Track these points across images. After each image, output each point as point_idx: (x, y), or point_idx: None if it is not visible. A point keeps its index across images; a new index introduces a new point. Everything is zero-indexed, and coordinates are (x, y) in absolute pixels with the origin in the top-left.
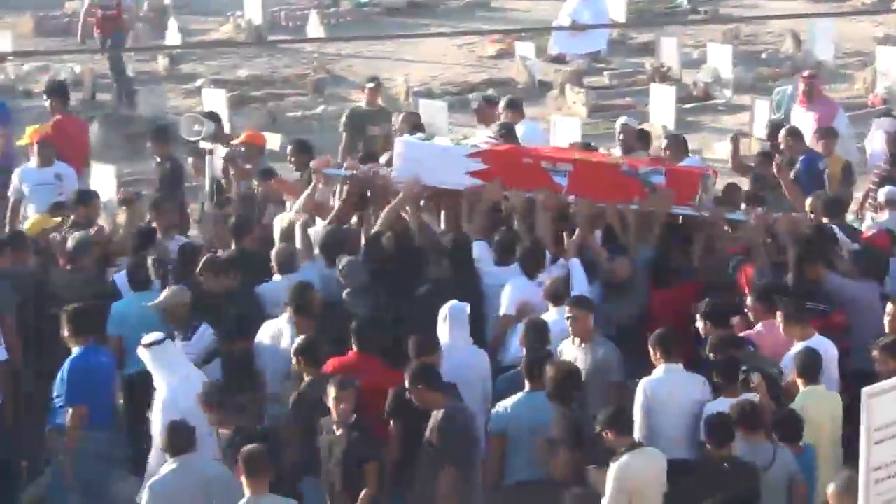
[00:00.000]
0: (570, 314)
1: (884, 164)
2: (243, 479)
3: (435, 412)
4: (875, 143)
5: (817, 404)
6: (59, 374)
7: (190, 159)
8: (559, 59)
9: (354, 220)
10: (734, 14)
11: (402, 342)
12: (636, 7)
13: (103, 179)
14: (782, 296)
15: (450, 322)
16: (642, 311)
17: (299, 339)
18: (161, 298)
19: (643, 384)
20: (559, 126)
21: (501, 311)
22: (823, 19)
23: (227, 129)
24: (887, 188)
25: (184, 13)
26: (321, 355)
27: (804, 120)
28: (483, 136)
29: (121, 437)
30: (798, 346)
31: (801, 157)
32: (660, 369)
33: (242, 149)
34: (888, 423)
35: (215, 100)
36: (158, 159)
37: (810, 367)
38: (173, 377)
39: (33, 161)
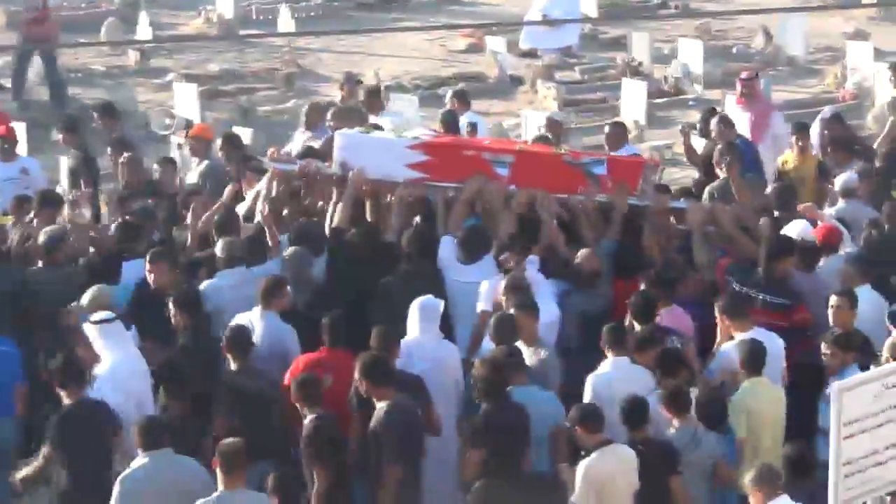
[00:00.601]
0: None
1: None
2: (219, 474)
3: (378, 405)
4: (813, 136)
5: (759, 396)
6: None
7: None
8: (530, 54)
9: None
10: (705, 9)
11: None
12: (607, 2)
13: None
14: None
15: (420, 316)
16: (609, 302)
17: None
18: None
19: (589, 379)
20: (530, 120)
21: (479, 308)
22: (794, 15)
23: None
24: (843, 177)
25: (154, 7)
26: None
27: (740, 119)
28: (423, 129)
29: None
30: (740, 337)
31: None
32: (606, 363)
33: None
34: (859, 418)
35: (186, 94)
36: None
37: (753, 358)
38: (118, 354)
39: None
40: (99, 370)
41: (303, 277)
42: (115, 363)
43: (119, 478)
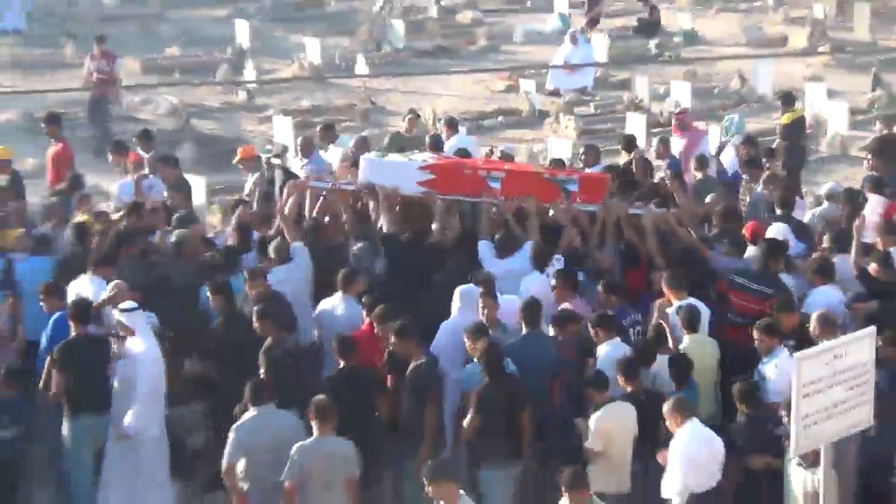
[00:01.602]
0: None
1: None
2: (314, 424)
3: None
4: (725, 158)
5: (698, 349)
6: None
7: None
8: (555, 93)
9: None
10: (692, 57)
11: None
12: (616, 51)
13: (196, 188)
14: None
15: (461, 301)
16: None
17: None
18: None
19: (599, 353)
20: (554, 146)
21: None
22: (763, 61)
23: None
24: (829, 185)
25: (258, 55)
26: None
27: (676, 144)
28: (428, 154)
29: None
30: (677, 304)
31: (667, 160)
32: (601, 348)
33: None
34: (813, 381)
35: (283, 126)
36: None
37: (691, 318)
38: (147, 339)
39: (129, 177)
40: (133, 353)
41: (365, 268)
42: (149, 346)
43: (234, 427)
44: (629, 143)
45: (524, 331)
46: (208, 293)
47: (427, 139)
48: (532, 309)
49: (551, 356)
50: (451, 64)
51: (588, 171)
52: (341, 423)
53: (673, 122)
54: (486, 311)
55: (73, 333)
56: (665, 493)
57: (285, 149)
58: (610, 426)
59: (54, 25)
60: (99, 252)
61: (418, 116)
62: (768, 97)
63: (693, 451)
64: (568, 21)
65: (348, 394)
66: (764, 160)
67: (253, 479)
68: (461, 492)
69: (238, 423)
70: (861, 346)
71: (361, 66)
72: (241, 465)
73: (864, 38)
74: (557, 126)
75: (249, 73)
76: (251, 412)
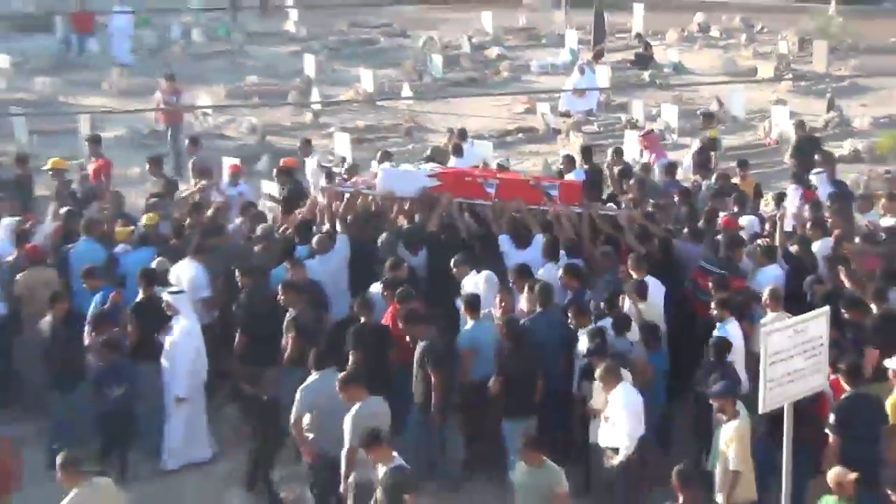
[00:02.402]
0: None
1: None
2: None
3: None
4: (686, 160)
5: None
6: None
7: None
8: (566, 114)
9: None
10: (677, 84)
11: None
12: (616, 79)
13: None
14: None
15: (485, 285)
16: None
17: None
18: None
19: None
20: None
21: None
22: (736, 87)
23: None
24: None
25: (322, 84)
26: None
27: (644, 158)
28: (433, 165)
29: None
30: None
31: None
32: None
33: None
34: (779, 351)
35: (342, 141)
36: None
37: (641, 290)
38: (189, 316)
39: (225, 183)
40: (177, 329)
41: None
42: (192, 323)
43: (300, 388)
44: (587, 152)
45: (538, 310)
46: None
47: (450, 147)
48: (545, 292)
49: (561, 331)
50: (480, 91)
51: (567, 177)
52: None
53: (641, 141)
54: (503, 303)
55: (142, 295)
56: (611, 442)
57: (344, 159)
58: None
59: (154, 60)
60: (195, 242)
61: (465, 135)
62: (740, 118)
63: (634, 405)
64: (577, 55)
65: (368, 343)
66: (737, 169)
67: (317, 431)
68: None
69: (304, 384)
70: (818, 322)
71: (406, 92)
72: (306, 420)
73: (821, 70)
74: (567, 141)
75: (315, 97)
76: (314, 375)
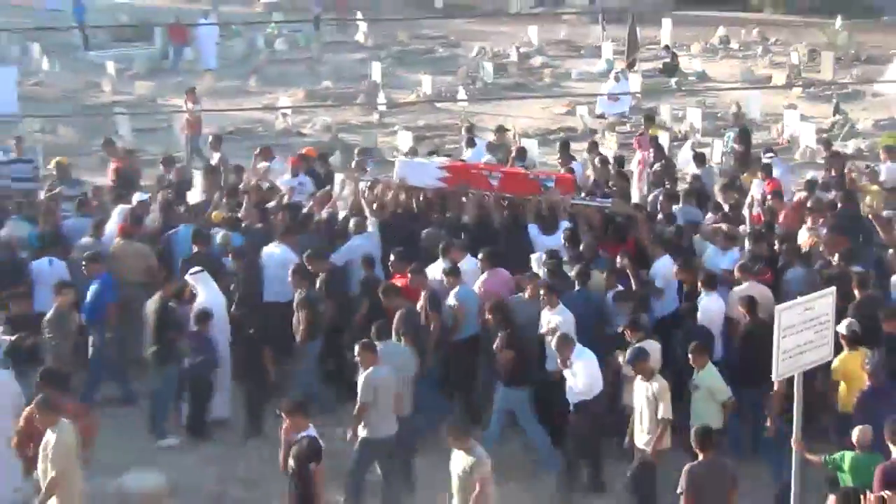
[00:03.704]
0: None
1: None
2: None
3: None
4: (682, 156)
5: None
6: None
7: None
8: (601, 116)
9: None
10: (700, 89)
11: None
12: (646, 86)
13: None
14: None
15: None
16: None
17: None
18: None
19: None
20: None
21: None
22: (753, 93)
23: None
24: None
25: (387, 87)
26: None
27: (636, 157)
28: (443, 158)
29: None
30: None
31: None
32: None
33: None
34: (790, 326)
35: (405, 138)
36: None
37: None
38: (210, 293)
39: (287, 174)
40: (200, 299)
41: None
42: (211, 296)
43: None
44: (564, 146)
45: (576, 288)
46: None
47: (513, 151)
48: (583, 272)
49: (596, 308)
50: (527, 94)
51: (562, 170)
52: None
53: (635, 142)
54: (531, 288)
55: (195, 250)
56: (576, 396)
57: (414, 150)
58: None
59: (239, 65)
60: (283, 227)
61: (507, 130)
62: (757, 120)
63: (592, 367)
64: (612, 64)
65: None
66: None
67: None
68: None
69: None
70: (824, 301)
71: (461, 95)
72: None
73: (828, 77)
74: (603, 140)
75: (381, 99)
76: (378, 345)
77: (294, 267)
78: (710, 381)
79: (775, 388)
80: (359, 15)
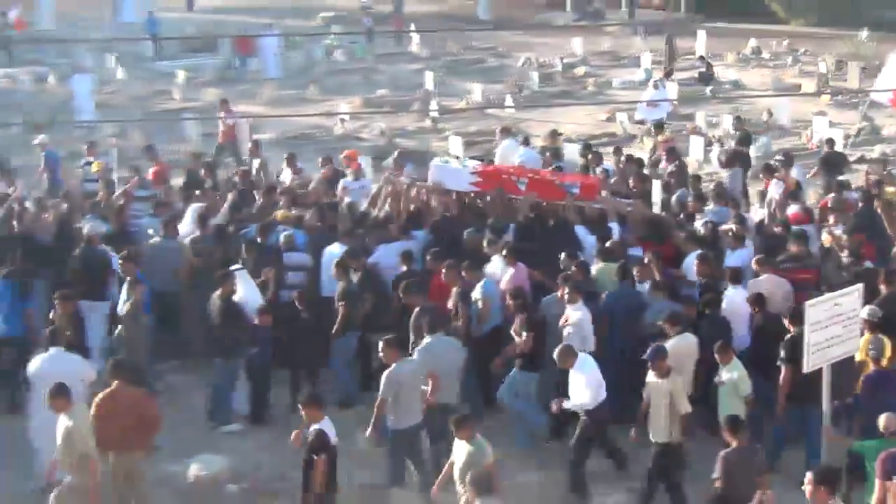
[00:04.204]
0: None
1: None
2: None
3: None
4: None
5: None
6: None
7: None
8: (641, 122)
9: None
10: (734, 96)
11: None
12: (683, 94)
13: None
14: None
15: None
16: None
17: None
18: None
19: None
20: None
21: None
22: (784, 100)
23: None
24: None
25: (440, 95)
26: None
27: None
28: (476, 162)
29: None
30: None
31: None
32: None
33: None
34: (819, 321)
35: (455, 142)
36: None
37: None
38: (248, 289)
39: (350, 177)
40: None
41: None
42: (248, 292)
43: (418, 349)
44: (586, 147)
45: (620, 284)
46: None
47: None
48: (625, 269)
49: (639, 301)
50: (571, 101)
51: (592, 172)
52: None
53: (660, 149)
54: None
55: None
56: (578, 403)
57: (455, 157)
58: (680, 349)
59: (301, 74)
60: (344, 228)
61: (559, 134)
62: (787, 126)
63: (598, 375)
64: (651, 73)
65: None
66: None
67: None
68: None
69: (420, 346)
70: (852, 297)
71: (509, 102)
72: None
73: (854, 86)
74: (642, 145)
75: (433, 106)
76: (428, 338)
77: (337, 260)
78: (735, 375)
79: (782, 373)
80: (412, 27)
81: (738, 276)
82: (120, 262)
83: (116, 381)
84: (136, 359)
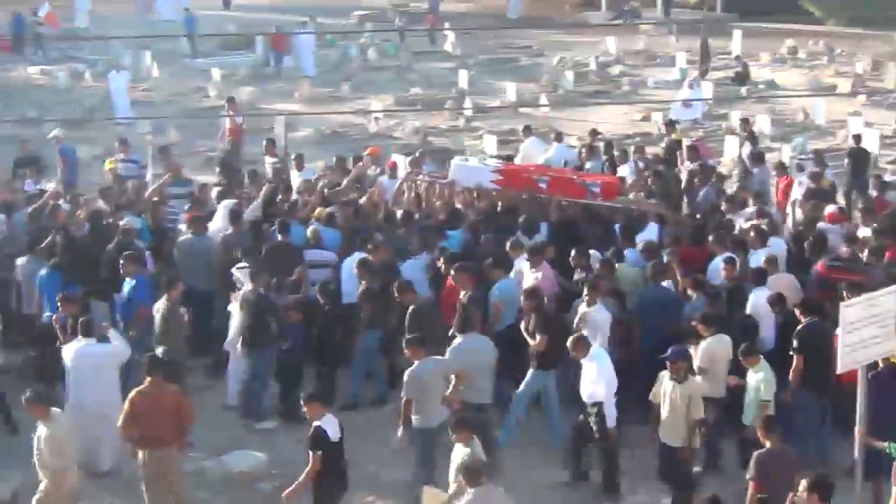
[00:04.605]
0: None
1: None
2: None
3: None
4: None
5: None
6: None
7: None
8: (675, 122)
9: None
10: (769, 96)
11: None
12: (718, 93)
13: None
14: None
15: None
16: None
17: None
18: None
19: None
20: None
21: None
22: (819, 100)
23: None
24: None
25: (473, 94)
26: None
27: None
28: (497, 161)
29: None
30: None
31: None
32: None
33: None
34: (854, 321)
35: (490, 141)
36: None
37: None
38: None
39: (386, 175)
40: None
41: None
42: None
43: (450, 349)
44: (609, 146)
45: (651, 282)
46: None
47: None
48: (659, 268)
49: (673, 301)
50: (606, 101)
51: (615, 171)
52: None
53: (686, 150)
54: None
55: (279, 238)
56: (591, 397)
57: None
58: (715, 350)
59: (335, 73)
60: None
61: (599, 133)
62: (823, 126)
63: (609, 368)
64: (685, 73)
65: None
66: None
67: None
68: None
69: (453, 346)
70: (889, 298)
71: (543, 101)
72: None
73: (891, 86)
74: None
75: (467, 105)
76: (459, 338)
77: (360, 260)
78: (760, 376)
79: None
80: (447, 25)
81: (762, 277)
82: (122, 261)
83: (151, 378)
84: (171, 356)
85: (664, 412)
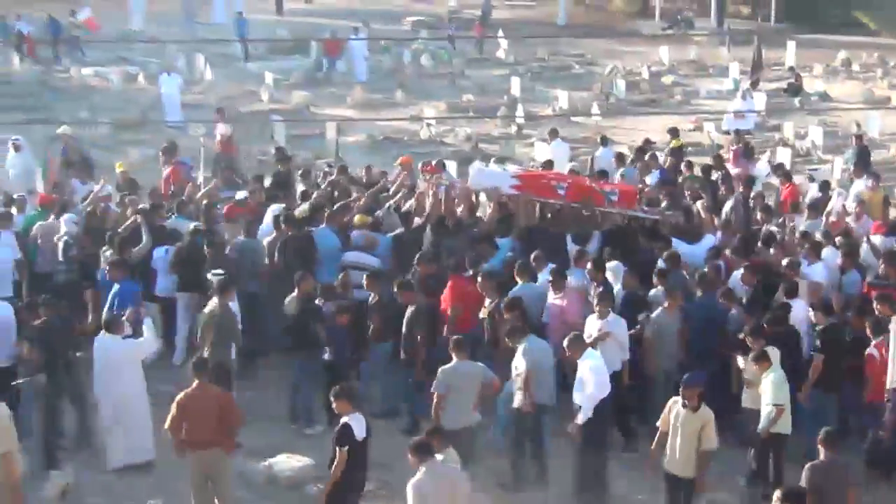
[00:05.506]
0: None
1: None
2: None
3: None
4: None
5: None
6: None
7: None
8: (727, 132)
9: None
10: (821, 107)
11: None
12: (771, 105)
13: None
14: None
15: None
16: None
17: None
18: None
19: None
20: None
21: None
22: (872, 113)
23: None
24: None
25: (526, 102)
26: None
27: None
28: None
29: None
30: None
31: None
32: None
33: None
34: None
35: (542, 149)
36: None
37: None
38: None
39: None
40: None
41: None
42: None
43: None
44: (640, 151)
45: (699, 294)
46: None
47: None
48: (708, 279)
49: (720, 313)
50: (657, 111)
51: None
52: None
53: (730, 156)
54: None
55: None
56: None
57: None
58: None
59: (388, 78)
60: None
61: (653, 143)
62: (875, 138)
63: (602, 371)
64: (738, 83)
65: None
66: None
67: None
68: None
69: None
70: None
71: (595, 110)
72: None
73: None
74: (728, 155)
75: (520, 112)
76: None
77: (369, 273)
78: (769, 378)
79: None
80: (500, 32)
81: (794, 290)
82: (107, 267)
83: (198, 380)
84: (220, 358)
85: (673, 441)
